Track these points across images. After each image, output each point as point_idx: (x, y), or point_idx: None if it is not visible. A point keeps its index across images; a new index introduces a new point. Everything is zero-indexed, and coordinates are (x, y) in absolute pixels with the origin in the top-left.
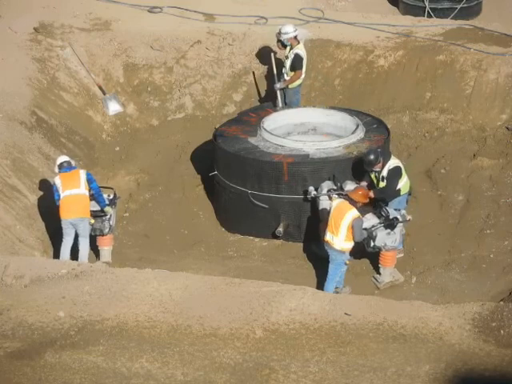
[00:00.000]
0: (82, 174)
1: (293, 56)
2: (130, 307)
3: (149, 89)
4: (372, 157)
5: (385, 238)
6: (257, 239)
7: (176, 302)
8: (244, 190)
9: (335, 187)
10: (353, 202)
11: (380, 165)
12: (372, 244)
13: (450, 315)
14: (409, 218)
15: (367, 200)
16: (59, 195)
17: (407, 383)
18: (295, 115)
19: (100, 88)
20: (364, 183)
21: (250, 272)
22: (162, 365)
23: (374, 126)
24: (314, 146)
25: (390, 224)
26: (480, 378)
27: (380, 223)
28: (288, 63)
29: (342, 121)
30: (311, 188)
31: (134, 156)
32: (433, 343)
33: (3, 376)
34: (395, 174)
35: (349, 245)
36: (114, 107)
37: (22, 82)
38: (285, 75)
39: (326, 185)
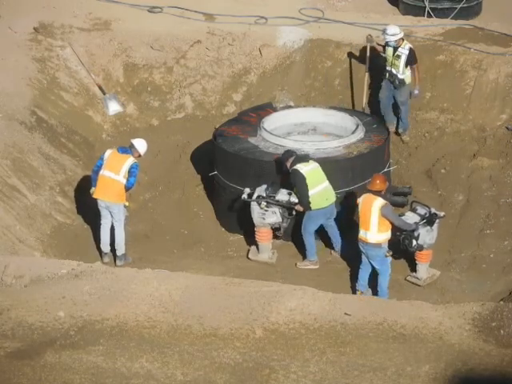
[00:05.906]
0: (129, 162)
1: (407, 52)
2: (129, 307)
3: (149, 89)
4: (283, 154)
5: (425, 236)
6: None
7: (176, 302)
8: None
9: (264, 194)
10: (376, 193)
11: (288, 164)
12: (414, 243)
13: (450, 315)
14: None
15: (387, 183)
16: (99, 167)
17: (407, 383)
18: (295, 115)
19: (100, 88)
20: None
21: (250, 272)
22: (162, 365)
23: (374, 126)
24: (314, 146)
25: (430, 220)
26: (480, 378)
27: (422, 220)
28: (402, 60)
29: (342, 121)
30: (246, 190)
31: None
32: (433, 343)
33: (3, 376)
34: (292, 177)
35: (384, 236)
36: (113, 107)
37: (22, 82)
38: (398, 75)
39: (259, 190)
